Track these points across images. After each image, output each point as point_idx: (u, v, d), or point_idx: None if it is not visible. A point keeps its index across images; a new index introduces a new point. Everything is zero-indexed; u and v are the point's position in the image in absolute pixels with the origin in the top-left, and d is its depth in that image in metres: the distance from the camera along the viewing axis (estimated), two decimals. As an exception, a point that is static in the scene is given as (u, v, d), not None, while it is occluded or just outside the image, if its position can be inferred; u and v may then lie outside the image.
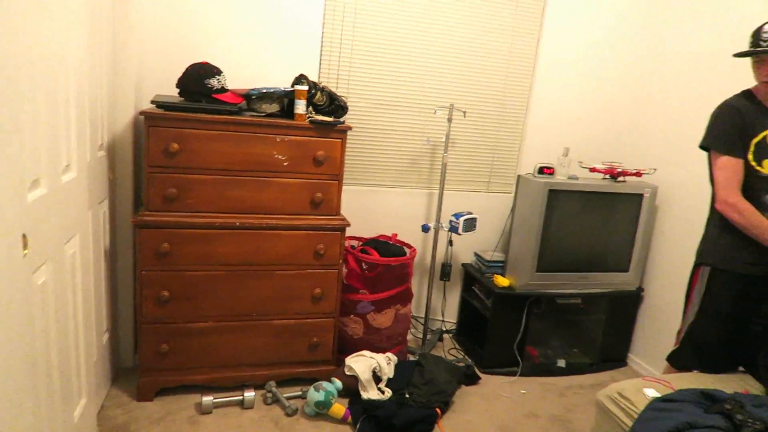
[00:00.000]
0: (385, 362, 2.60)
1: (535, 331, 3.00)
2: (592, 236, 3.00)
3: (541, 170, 2.91)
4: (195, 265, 2.33)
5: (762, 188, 2.01)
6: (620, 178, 3.02)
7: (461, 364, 2.87)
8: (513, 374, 2.95)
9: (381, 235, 3.01)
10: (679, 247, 2.94)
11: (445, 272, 3.15)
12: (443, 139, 3.00)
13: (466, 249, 3.28)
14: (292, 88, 2.45)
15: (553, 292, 2.96)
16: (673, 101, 3.02)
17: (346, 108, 2.61)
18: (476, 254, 3.24)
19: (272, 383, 2.51)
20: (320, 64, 2.84)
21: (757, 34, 1.93)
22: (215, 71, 2.34)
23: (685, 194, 2.90)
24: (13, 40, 1.24)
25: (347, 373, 2.53)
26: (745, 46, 1.98)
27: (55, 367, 1.62)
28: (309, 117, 2.44)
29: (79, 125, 1.81)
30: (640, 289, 3.16)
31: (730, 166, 1.99)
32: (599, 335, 3.16)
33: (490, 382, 2.87)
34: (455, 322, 3.40)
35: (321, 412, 2.38)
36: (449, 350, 3.18)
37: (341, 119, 2.51)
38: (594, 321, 3.16)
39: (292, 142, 2.38)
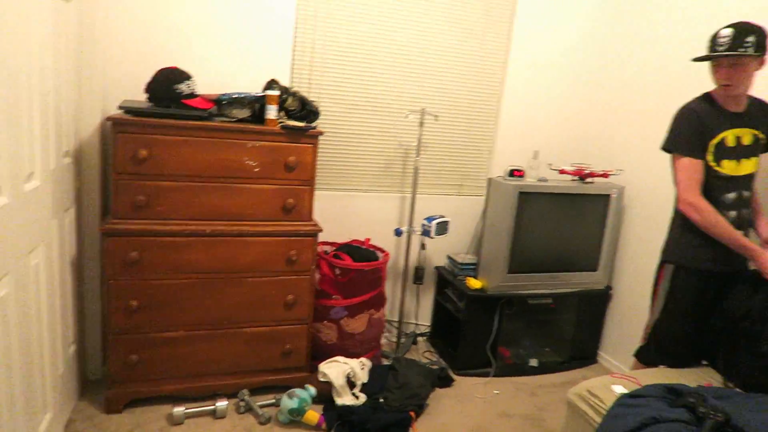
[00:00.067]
0: (359, 367, 2.60)
1: (508, 332, 3.04)
2: (561, 237, 3.06)
3: (512, 173, 2.96)
4: (165, 274, 2.29)
5: (722, 187, 2.09)
6: (588, 180, 3.09)
7: (435, 367, 2.89)
8: (486, 375, 2.98)
9: (354, 240, 3.01)
10: (645, 246, 3.02)
11: (419, 276, 3.17)
12: (415, 143, 3.03)
13: (439, 252, 3.31)
14: (263, 93, 2.43)
15: (525, 293, 3.00)
16: (638, 104, 3.10)
17: (318, 113, 2.61)
18: (449, 257, 3.26)
19: (245, 392, 2.48)
20: (292, 68, 2.83)
21: (714, 40, 2.01)
22: (184, 76, 2.32)
23: (650, 194, 2.98)
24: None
25: (321, 379, 2.52)
26: (703, 52, 2.06)
27: (18, 381, 1.58)
28: (280, 122, 2.43)
29: (42, 132, 1.77)
30: (609, 288, 3.24)
31: (691, 167, 2.06)
32: (570, 334, 3.22)
33: (463, 384, 2.89)
34: (429, 325, 3.42)
35: (295, 419, 2.37)
36: (423, 353, 3.19)
37: (313, 124, 2.51)
38: (565, 320, 3.22)
39: (263, 147, 2.37)
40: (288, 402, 2.36)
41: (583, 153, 3.42)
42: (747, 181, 2.13)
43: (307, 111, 2.56)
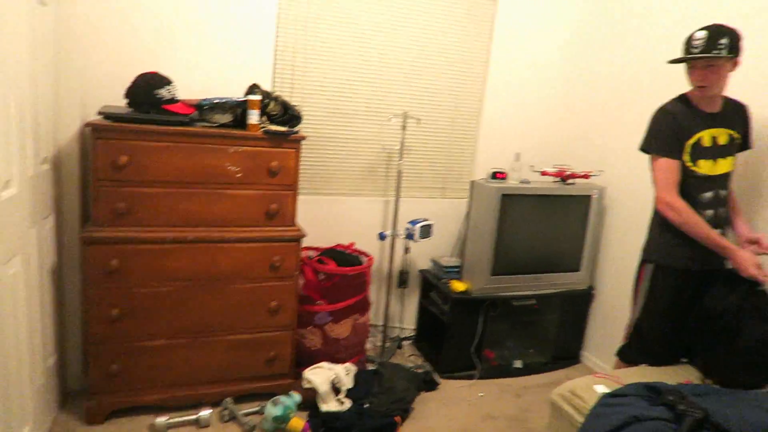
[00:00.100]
0: (344, 373, 2.59)
1: (492, 334, 3.05)
2: (544, 238, 3.09)
3: (494, 175, 2.98)
4: (146, 282, 2.27)
5: (699, 187, 2.13)
6: (570, 181, 3.12)
7: (420, 371, 2.89)
8: (471, 377, 2.99)
9: (338, 245, 3.01)
10: (626, 245, 3.05)
11: (403, 279, 3.18)
12: (398, 147, 3.03)
13: (423, 255, 3.32)
14: (244, 98, 2.42)
15: (509, 295, 3.02)
16: (617, 106, 3.14)
17: (301, 117, 2.60)
18: (433, 260, 3.27)
19: (229, 400, 2.46)
20: (274, 72, 2.82)
21: (688, 42, 2.05)
22: (165, 81, 2.30)
23: (631, 195, 3.02)
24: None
25: (305, 386, 2.51)
26: (678, 54, 2.09)
27: (-4, 392, 1.55)
28: (263, 127, 2.42)
29: (20, 139, 1.74)
30: (591, 288, 3.27)
31: (668, 168, 2.10)
32: (553, 334, 3.25)
33: (449, 387, 2.90)
34: (414, 328, 3.42)
35: (279, 427, 2.35)
36: (409, 357, 3.20)
37: (295, 129, 2.50)
38: (548, 321, 3.24)
39: (245, 153, 2.36)
40: (272, 409, 2.34)
41: (564, 154, 3.45)
42: (723, 180, 2.17)
43: (289, 115, 2.56)
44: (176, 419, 2.33)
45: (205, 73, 2.66)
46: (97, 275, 2.19)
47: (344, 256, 2.85)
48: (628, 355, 2.32)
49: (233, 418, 2.42)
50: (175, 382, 2.41)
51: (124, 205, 2.20)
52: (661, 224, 2.18)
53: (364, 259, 2.90)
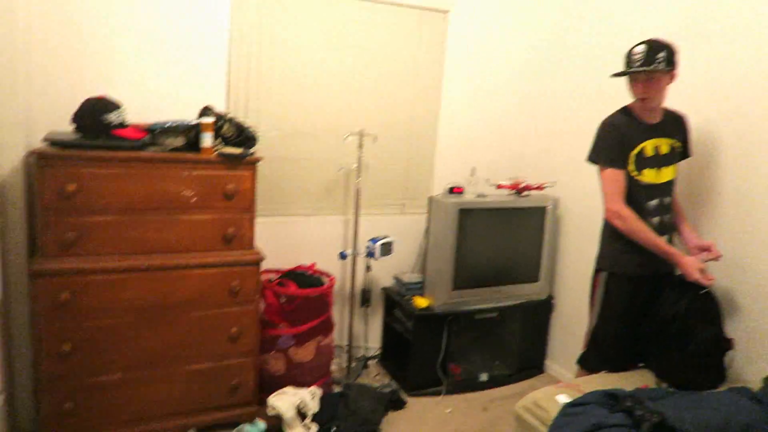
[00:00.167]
0: (309, 397, 2.55)
1: (456, 349, 3.07)
2: (502, 250, 3.14)
3: (451, 190, 3.03)
4: (99, 314, 2.19)
5: (644, 195, 2.21)
6: (525, 193, 3.18)
7: (387, 390, 2.87)
8: (438, 394, 2.99)
9: (299, 266, 2.97)
10: (582, 254, 3.12)
11: (366, 298, 3.17)
12: (356, 165, 3.04)
13: (385, 272, 3.31)
14: (197, 121, 2.39)
15: (470, 308, 3.04)
16: (567, 118, 3.24)
17: (256, 138, 2.57)
18: (395, 277, 3.28)
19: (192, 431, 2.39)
20: (228, 93, 2.79)
21: (629, 56, 2.14)
22: (113, 106, 2.24)
23: (583, 205, 3.10)
24: None
25: (270, 413, 2.45)
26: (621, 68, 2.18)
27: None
28: (217, 150, 2.38)
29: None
30: (551, 297, 3.33)
31: (614, 178, 2.18)
32: (517, 346, 3.28)
33: (416, 405, 2.89)
34: (379, 347, 3.40)
35: (245, 454, 2.29)
36: (375, 376, 3.17)
37: (251, 150, 2.48)
38: (511, 332, 3.27)
39: (199, 176, 2.32)
40: (237, 438, 2.28)
41: (518, 167, 3.51)
42: (667, 188, 2.26)
43: (244, 137, 2.53)
44: (135, 456, 2.24)
45: (157, 95, 2.61)
46: (46, 309, 2.10)
47: (305, 278, 2.82)
48: (588, 363, 2.37)
49: (196, 450, 2.35)
50: (134, 417, 2.31)
51: (73, 235, 2.13)
52: (611, 233, 2.26)
53: (326, 279, 2.88)
